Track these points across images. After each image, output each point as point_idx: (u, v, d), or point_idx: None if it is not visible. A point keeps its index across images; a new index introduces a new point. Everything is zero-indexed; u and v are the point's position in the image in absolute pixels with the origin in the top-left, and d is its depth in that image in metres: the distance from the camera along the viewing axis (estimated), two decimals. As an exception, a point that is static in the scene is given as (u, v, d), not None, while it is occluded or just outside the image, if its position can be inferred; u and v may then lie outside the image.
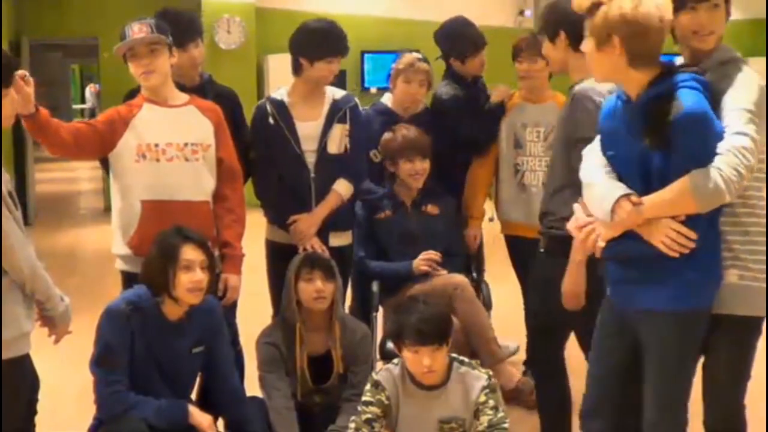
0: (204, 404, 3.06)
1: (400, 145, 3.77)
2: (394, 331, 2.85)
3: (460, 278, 3.66)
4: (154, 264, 2.91)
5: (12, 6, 9.45)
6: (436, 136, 3.91)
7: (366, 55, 11.03)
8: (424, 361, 2.77)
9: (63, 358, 3.45)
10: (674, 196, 2.25)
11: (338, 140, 3.58)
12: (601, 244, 2.39)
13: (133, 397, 2.83)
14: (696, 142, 2.24)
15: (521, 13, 11.94)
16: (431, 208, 3.87)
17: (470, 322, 3.58)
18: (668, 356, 2.40)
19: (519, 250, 3.99)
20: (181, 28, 3.37)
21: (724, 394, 2.54)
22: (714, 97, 2.34)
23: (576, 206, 2.53)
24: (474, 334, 3.59)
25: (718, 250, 2.37)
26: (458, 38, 4.10)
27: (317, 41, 3.52)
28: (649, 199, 2.29)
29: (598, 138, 2.53)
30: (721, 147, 2.25)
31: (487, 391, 2.86)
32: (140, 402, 2.83)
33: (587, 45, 2.36)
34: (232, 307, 3.41)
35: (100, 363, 2.85)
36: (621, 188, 2.33)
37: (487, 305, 3.90)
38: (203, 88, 3.51)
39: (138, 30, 3.07)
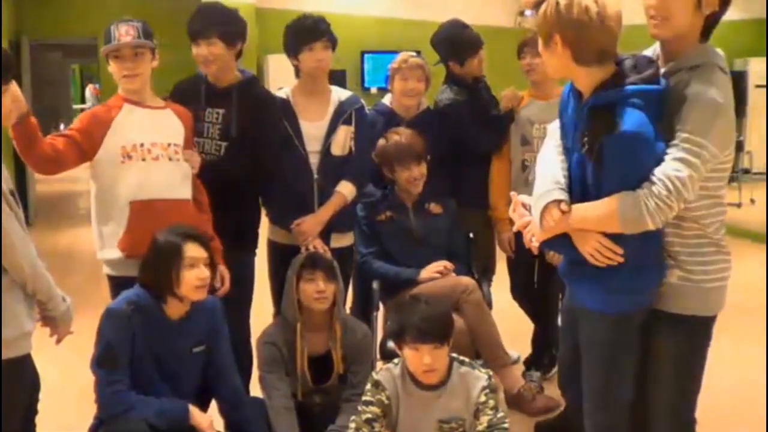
0: (202, 404, 3.07)
1: (395, 153, 3.75)
2: (396, 329, 2.85)
3: (468, 281, 3.65)
4: (156, 264, 2.90)
5: (12, 6, 9.45)
6: (439, 139, 3.91)
7: (366, 55, 11.05)
8: (425, 359, 2.77)
9: (64, 358, 3.45)
10: (600, 214, 2.26)
11: (342, 142, 3.57)
12: (535, 244, 2.44)
13: (133, 397, 2.83)
14: (626, 164, 2.22)
15: (521, 13, 11.95)
16: (434, 207, 3.86)
17: (477, 326, 3.57)
18: (598, 355, 2.44)
19: (519, 242, 4.01)
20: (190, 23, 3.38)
21: (668, 403, 2.49)
22: (674, 103, 2.26)
23: (513, 195, 2.58)
24: (480, 339, 3.58)
25: (651, 255, 2.36)
26: (455, 41, 4.11)
27: (292, 34, 3.55)
28: (577, 211, 2.30)
29: (557, 123, 2.56)
30: (656, 173, 2.21)
31: (488, 391, 2.86)
32: (141, 402, 2.83)
33: (539, 43, 2.37)
34: (246, 306, 3.46)
35: (101, 363, 2.85)
36: (555, 192, 2.33)
37: (488, 305, 3.90)
38: (230, 93, 3.42)
39: (125, 33, 3.05)
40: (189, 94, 3.44)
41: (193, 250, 2.89)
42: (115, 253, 3.12)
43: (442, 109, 4.09)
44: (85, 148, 3.08)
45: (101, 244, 3.18)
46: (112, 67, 3.12)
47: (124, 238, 3.09)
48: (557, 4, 2.23)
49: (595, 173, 2.26)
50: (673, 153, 2.22)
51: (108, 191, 3.13)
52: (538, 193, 2.39)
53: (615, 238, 2.29)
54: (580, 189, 2.34)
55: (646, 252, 2.34)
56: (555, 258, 2.48)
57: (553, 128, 2.58)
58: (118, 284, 3.13)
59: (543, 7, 2.26)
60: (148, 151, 3.10)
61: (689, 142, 2.21)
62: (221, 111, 3.40)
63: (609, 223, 2.25)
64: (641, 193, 2.21)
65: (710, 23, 2.37)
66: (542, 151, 2.56)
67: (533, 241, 2.44)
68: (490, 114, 4.14)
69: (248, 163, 3.37)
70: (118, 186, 3.10)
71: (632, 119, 2.18)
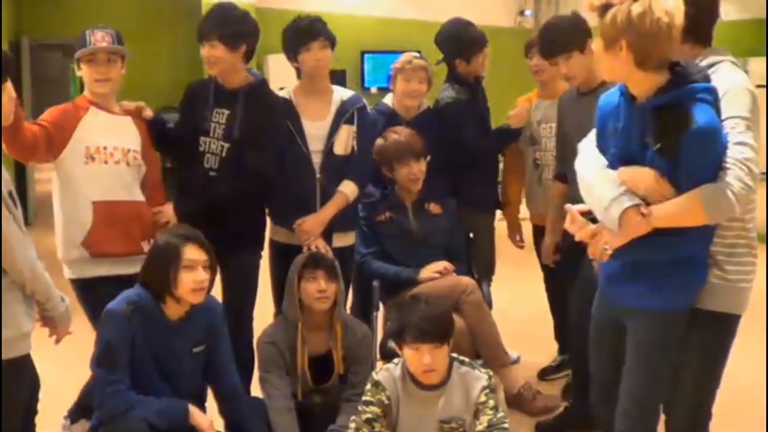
0: (201, 404, 3.07)
1: (394, 151, 3.76)
2: (396, 329, 2.85)
3: (467, 281, 3.65)
4: (155, 264, 2.91)
5: (12, 6, 9.44)
6: (439, 138, 3.91)
7: (366, 55, 11.04)
8: (425, 358, 2.77)
9: (63, 358, 3.45)
10: (685, 209, 2.28)
11: (345, 141, 3.57)
12: (609, 252, 2.41)
13: (133, 397, 2.83)
14: (705, 158, 2.27)
15: (521, 13, 11.95)
16: (434, 207, 3.87)
17: (477, 326, 3.56)
18: (646, 352, 2.47)
19: (541, 239, 4.09)
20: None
21: (691, 396, 2.56)
22: None
23: (568, 207, 2.53)
24: (480, 339, 3.58)
25: (706, 255, 2.43)
26: (461, 39, 4.12)
27: (289, 36, 3.57)
28: (658, 210, 2.31)
29: (593, 133, 2.55)
30: (727, 160, 2.27)
31: (488, 391, 2.86)
32: (141, 402, 2.83)
33: (596, 44, 2.39)
34: (249, 308, 3.52)
35: (101, 363, 2.85)
36: (627, 196, 2.34)
37: (487, 305, 3.89)
38: (236, 94, 3.43)
39: (101, 38, 3.19)
40: (199, 93, 3.50)
41: (192, 252, 2.89)
42: (79, 252, 3.21)
43: (444, 107, 4.09)
44: (56, 143, 3.18)
45: (65, 243, 3.27)
46: (84, 71, 3.25)
47: (89, 236, 3.19)
48: (630, 12, 2.26)
49: (669, 170, 2.30)
50: (731, 136, 2.29)
51: (72, 191, 3.22)
52: (607, 199, 2.37)
53: (682, 236, 2.32)
54: None
55: (705, 249, 2.41)
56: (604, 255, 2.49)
57: (588, 141, 2.57)
58: (80, 287, 3.24)
59: (613, 11, 2.28)
60: (111, 154, 3.23)
61: (740, 125, 2.30)
62: (227, 112, 3.42)
63: (694, 217, 2.29)
64: (722, 181, 2.25)
65: (700, 28, 2.47)
66: (586, 162, 2.53)
67: (607, 249, 2.41)
68: (488, 118, 4.16)
69: (248, 174, 3.38)
70: (80, 187, 3.20)
71: (705, 114, 2.24)
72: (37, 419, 2.83)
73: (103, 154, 3.22)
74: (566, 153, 3.65)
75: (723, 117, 2.32)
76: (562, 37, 3.52)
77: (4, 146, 2.97)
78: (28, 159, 3.28)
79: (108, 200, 3.21)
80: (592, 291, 2.72)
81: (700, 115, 2.23)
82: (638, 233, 2.33)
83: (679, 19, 2.28)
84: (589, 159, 2.51)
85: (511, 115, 4.10)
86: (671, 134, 2.26)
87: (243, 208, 3.45)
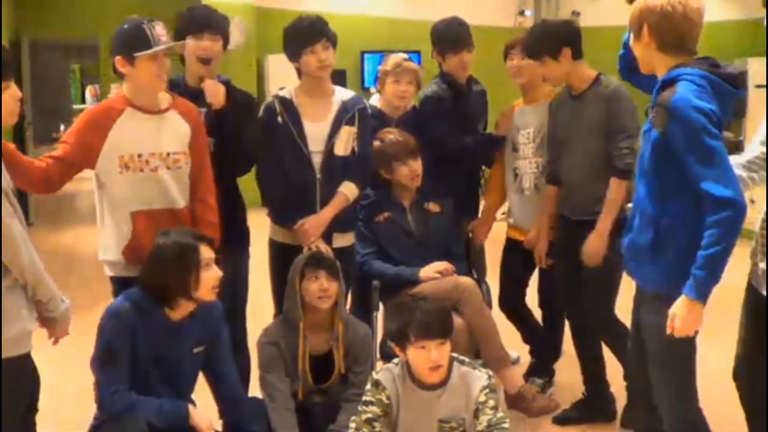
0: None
1: (394, 150, 3.76)
2: (398, 329, 2.84)
3: (467, 281, 3.64)
4: (173, 267, 2.86)
5: (12, 6, 9.45)
6: (426, 135, 3.90)
7: (366, 55, 11.05)
8: (432, 354, 2.77)
9: (63, 358, 3.45)
10: None
11: (345, 142, 3.55)
12: None
13: (133, 397, 2.83)
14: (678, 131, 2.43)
15: (521, 13, 11.95)
16: (433, 206, 3.87)
17: (477, 327, 3.56)
18: None
19: (511, 250, 4.10)
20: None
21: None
22: None
23: None
24: (481, 339, 3.57)
25: None
26: (437, 35, 4.08)
27: (291, 38, 3.54)
28: None
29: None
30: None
31: (487, 390, 2.86)
32: (141, 402, 2.83)
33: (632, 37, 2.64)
34: (241, 308, 3.48)
35: (102, 362, 2.85)
36: None
37: (487, 305, 3.90)
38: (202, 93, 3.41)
39: (161, 32, 3.02)
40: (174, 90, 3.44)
41: (206, 251, 2.90)
42: (118, 257, 3.13)
43: (422, 100, 4.07)
44: (80, 164, 3.06)
45: (105, 247, 3.18)
46: (142, 68, 3.01)
47: (129, 246, 3.09)
48: None
49: (660, 142, 2.51)
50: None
51: (109, 200, 3.14)
52: None
53: None
54: None
55: None
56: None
57: None
58: (121, 283, 3.15)
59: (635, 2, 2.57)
60: (146, 162, 3.07)
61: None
62: (202, 110, 3.38)
63: None
64: None
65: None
66: None
67: None
68: (475, 123, 4.12)
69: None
70: (117, 196, 3.10)
71: (685, 89, 2.42)
72: (38, 419, 2.83)
73: (137, 162, 3.05)
74: (560, 156, 3.67)
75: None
76: (535, 43, 3.59)
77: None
78: (44, 192, 3.16)
79: (146, 209, 3.07)
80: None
81: (680, 89, 2.41)
82: None
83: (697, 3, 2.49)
84: None
85: (497, 122, 4.10)
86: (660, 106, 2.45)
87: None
